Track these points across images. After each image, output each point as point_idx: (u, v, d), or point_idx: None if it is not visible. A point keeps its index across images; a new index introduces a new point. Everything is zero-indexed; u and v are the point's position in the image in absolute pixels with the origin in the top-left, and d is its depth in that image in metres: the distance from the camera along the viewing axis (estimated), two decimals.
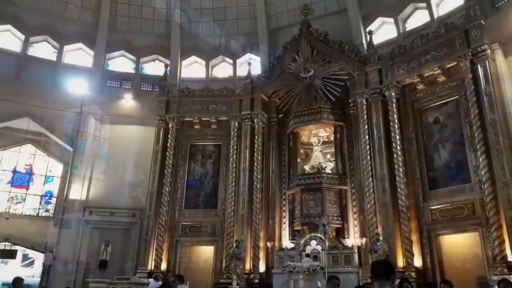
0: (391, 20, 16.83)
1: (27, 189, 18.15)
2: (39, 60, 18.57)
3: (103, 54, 19.47)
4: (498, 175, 11.31)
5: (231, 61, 20.03)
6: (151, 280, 13.75)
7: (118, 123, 18.22)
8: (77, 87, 18.20)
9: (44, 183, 18.42)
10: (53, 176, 18.49)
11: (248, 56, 19.74)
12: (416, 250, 12.96)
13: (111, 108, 18.38)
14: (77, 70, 18.92)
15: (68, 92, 18.05)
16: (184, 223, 16.73)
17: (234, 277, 13.88)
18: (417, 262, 12.85)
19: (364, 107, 14.92)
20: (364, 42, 16.72)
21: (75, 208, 16.83)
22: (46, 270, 15.71)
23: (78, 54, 19.61)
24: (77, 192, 17.04)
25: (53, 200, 18.12)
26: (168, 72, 18.71)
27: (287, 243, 15.73)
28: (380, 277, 3.26)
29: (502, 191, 11.16)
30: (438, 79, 13.89)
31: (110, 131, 18.15)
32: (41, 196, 18.19)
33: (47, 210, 18.06)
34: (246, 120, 17.04)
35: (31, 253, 17.75)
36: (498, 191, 11.29)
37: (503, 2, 13.26)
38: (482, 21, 12.51)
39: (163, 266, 15.79)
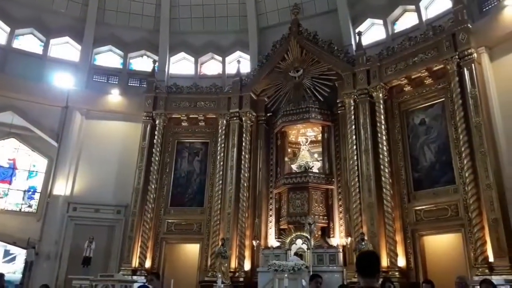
0: (380, 21, 16.94)
1: (10, 184, 17.82)
2: (24, 53, 18.20)
3: (90, 48, 19.19)
4: (482, 178, 11.47)
5: (220, 58, 19.93)
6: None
7: (104, 119, 18.02)
8: (63, 81, 18.01)
9: (27, 178, 18.12)
10: (36, 171, 18.19)
11: (237, 54, 19.67)
12: (400, 250, 13.09)
13: (97, 103, 18.14)
14: (63, 64, 18.65)
15: (53, 86, 17.87)
16: (169, 221, 16.63)
17: (219, 275, 13.85)
18: (401, 262, 12.98)
19: (352, 107, 15.02)
20: (353, 43, 16.79)
21: (59, 204, 16.58)
22: (28, 267, 15.48)
23: (65, 48, 19.29)
24: (61, 188, 16.78)
25: (37, 196, 17.82)
26: (156, 68, 18.53)
27: (273, 241, 15.76)
28: (367, 275, 3.10)
29: (485, 193, 11.31)
30: (425, 81, 14.03)
31: (96, 127, 17.93)
32: (24, 191, 17.88)
33: (30, 206, 17.75)
34: (234, 118, 17.01)
35: (13, 249, 17.43)
36: (481, 193, 11.44)
37: (490, 6, 13.43)
38: (469, 25, 12.66)
39: (148, 264, 15.69)
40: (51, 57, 18.76)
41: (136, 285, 13.21)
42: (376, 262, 3.16)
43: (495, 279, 10.26)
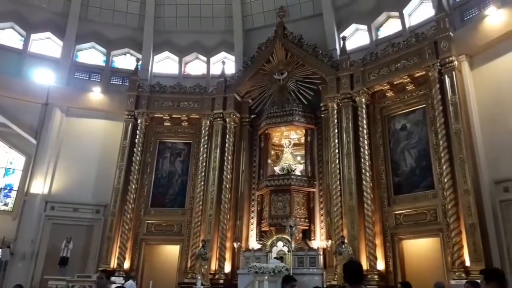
0: (365, 27, 17.11)
1: None
2: (4, 48, 17.75)
3: (73, 44, 18.83)
4: (460, 183, 11.69)
5: (205, 58, 19.81)
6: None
7: (85, 117, 17.71)
8: (44, 77, 17.65)
9: (3, 175, 17.66)
10: (14, 169, 17.74)
11: (222, 54, 19.60)
12: (379, 253, 13.21)
13: (78, 101, 17.81)
14: (44, 60, 18.26)
15: (33, 82, 17.50)
16: (149, 222, 16.44)
17: (199, 277, 13.75)
18: (380, 265, 13.11)
19: (335, 111, 15.14)
20: (337, 47, 16.93)
21: (36, 202, 16.20)
22: (2, 266, 15.07)
23: (46, 44, 18.89)
24: (39, 186, 16.40)
25: (13, 194, 17.36)
26: (139, 67, 18.33)
27: (254, 244, 15.73)
28: (354, 283, 3.34)
29: (463, 198, 11.53)
30: (407, 87, 14.24)
31: (77, 125, 17.59)
32: (0, 189, 17.40)
33: (6, 204, 17.28)
34: (218, 119, 16.94)
35: None
36: (459, 198, 11.66)
37: (471, 16, 13.72)
38: (450, 33, 12.93)
39: (126, 265, 15.47)
40: (32, 52, 18.36)
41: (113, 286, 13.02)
42: (362, 270, 3.48)
43: None
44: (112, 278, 14.13)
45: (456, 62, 12.74)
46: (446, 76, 12.71)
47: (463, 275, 10.94)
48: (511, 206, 11.30)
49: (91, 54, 19.51)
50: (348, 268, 3.45)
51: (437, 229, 12.49)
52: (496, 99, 12.25)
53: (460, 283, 9.61)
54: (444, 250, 12.08)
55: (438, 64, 12.92)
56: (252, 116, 17.66)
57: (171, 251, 16.33)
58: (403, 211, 13.39)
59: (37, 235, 15.88)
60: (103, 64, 19.44)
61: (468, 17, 13.81)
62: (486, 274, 3.95)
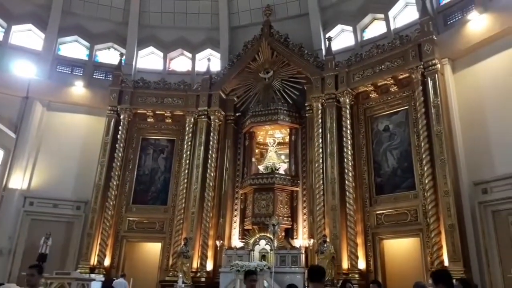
0: (350, 28, 17.24)
1: None
2: None
3: (55, 37, 18.44)
4: (440, 184, 11.89)
5: (190, 55, 19.66)
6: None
7: (66, 111, 17.35)
8: (24, 70, 17.25)
9: None
10: None
11: (208, 51, 19.48)
12: (360, 252, 13.36)
13: (60, 95, 17.46)
14: (25, 52, 17.84)
15: (14, 75, 17.14)
16: (131, 219, 16.27)
17: (180, 275, 13.68)
18: (361, 264, 13.25)
19: (319, 111, 15.23)
20: (323, 47, 17.04)
21: (15, 198, 15.81)
22: None
23: (28, 36, 18.46)
24: (17, 181, 16.03)
25: None
26: (123, 62, 18.08)
27: (236, 242, 15.71)
28: (314, 280, 4.00)
29: (443, 199, 11.74)
30: (390, 89, 14.41)
31: (58, 119, 17.24)
32: None
33: None
34: (203, 117, 16.87)
35: None
36: (440, 199, 11.86)
37: (454, 20, 13.96)
38: (434, 37, 13.13)
39: (107, 262, 15.29)
40: (12, 44, 17.92)
41: (94, 283, 12.88)
42: (322, 272, 4.17)
43: None
44: (92, 275, 14.04)
45: (439, 65, 12.95)
46: (429, 79, 12.92)
47: None
48: (489, 208, 11.57)
49: (74, 48, 19.15)
50: (311, 269, 4.22)
51: (417, 229, 12.68)
52: (476, 102, 12.50)
53: None
54: (424, 250, 12.28)
55: (422, 66, 13.11)
56: (237, 114, 17.63)
57: (153, 249, 16.19)
58: (384, 211, 13.55)
59: (15, 231, 15.53)
60: (86, 58, 19.10)
61: (452, 21, 14.05)
62: (435, 276, 4.10)
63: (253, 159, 17.05)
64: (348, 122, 14.59)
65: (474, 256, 11.37)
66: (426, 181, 12.29)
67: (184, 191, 15.93)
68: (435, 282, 4.02)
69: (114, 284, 13.57)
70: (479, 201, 11.68)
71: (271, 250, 13.76)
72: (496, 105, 11.97)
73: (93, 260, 15.03)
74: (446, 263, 11.33)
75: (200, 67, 19.03)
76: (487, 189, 11.68)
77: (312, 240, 14.18)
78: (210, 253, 15.29)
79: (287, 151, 16.97)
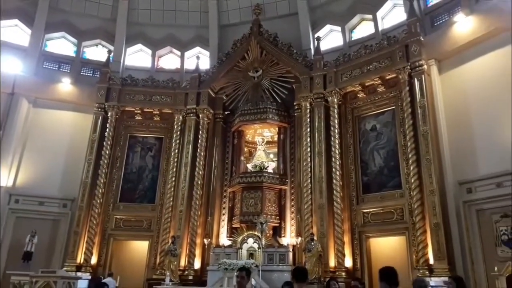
0: (339, 28, 17.35)
1: None
2: None
3: (42, 33, 18.18)
4: (426, 184, 12.06)
5: (179, 53, 19.58)
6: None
7: (53, 108, 17.15)
8: (10, 66, 16.96)
9: None
10: None
11: (197, 49, 19.42)
12: (347, 251, 13.48)
13: (46, 92, 17.23)
14: (11, 48, 17.49)
15: None
16: (118, 217, 16.17)
17: (168, 273, 13.65)
18: (348, 262, 13.38)
19: (308, 110, 15.32)
20: (311, 47, 17.10)
21: (0, 195, 15.61)
22: None
23: (13, 31, 18.18)
24: (3, 179, 15.76)
25: None
26: (111, 59, 17.93)
27: (224, 240, 15.73)
28: (299, 280, 4.39)
29: (429, 198, 11.91)
30: (378, 89, 14.56)
31: (44, 116, 17.03)
32: None
33: None
34: (191, 115, 16.83)
35: None
36: (425, 198, 12.03)
37: (441, 21, 14.15)
38: (421, 38, 13.30)
39: (93, 260, 15.18)
40: None
41: (80, 282, 12.78)
42: (306, 272, 4.60)
43: (434, 280, 10.89)
44: (79, 274, 13.93)
45: (425, 66, 13.12)
46: (415, 79, 13.08)
47: (427, 272, 11.34)
48: (474, 207, 11.79)
49: (61, 44, 18.92)
50: (295, 270, 4.70)
51: (403, 228, 12.85)
52: (462, 103, 12.69)
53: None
54: (410, 248, 12.44)
55: (408, 67, 13.27)
56: (225, 113, 17.62)
57: (140, 247, 16.11)
58: (371, 210, 13.69)
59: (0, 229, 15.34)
60: (74, 55, 18.87)
61: (438, 22, 14.23)
62: (380, 273, 4.12)
63: (242, 158, 17.08)
64: (336, 121, 14.71)
65: (458, 254, 11.56)
66: (412, 180, 12.45)
67: (172, 189, 15.88)
68: (380, 279, 4.05)
69: (107, 282, 13.42)
70: (464, 200, 11.90)
71: (259, 248, 13.80)
72: (481, 106, 12.16)
73: (80, 258, 14.91)
74: (431, 261, 11.51)
75: (189, 65, 18.96)
76: (471, 189, 11.89)
77: (299, 238, 14.26)
78: (198, 251, 15.28)
79: (275, 149, 17.03)
